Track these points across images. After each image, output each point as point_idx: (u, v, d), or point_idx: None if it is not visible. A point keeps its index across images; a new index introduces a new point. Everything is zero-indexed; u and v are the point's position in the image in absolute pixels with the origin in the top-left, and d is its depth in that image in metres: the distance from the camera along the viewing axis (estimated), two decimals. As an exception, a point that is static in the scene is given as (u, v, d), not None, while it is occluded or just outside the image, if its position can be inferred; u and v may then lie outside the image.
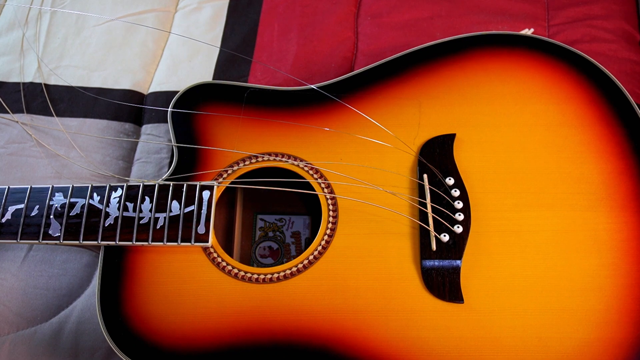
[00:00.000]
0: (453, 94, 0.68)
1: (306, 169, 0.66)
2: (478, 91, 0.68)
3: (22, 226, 0.63)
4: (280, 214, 0.77)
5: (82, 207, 0.63)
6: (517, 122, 0.66)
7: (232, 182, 0.66)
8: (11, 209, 0.64)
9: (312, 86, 0.70)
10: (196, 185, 0.64)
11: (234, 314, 0.59)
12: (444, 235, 0.60)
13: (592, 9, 0.83)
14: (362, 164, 0.65)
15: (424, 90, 0.69)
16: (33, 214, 0.64)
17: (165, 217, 0.62)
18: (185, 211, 0.63)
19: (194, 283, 0.61)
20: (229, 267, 0.61)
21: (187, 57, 0.88)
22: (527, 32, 0.78)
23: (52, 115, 0.81)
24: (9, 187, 0.65)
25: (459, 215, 0.61)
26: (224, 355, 0.57)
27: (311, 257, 0.61)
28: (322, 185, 0.65)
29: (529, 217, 0.61)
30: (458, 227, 0.60)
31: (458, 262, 0.59)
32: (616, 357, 0.55)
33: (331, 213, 0.63)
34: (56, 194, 0.64)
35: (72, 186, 0.65)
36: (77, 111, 0.82)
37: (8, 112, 0.82)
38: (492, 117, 0.67)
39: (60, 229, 0.62)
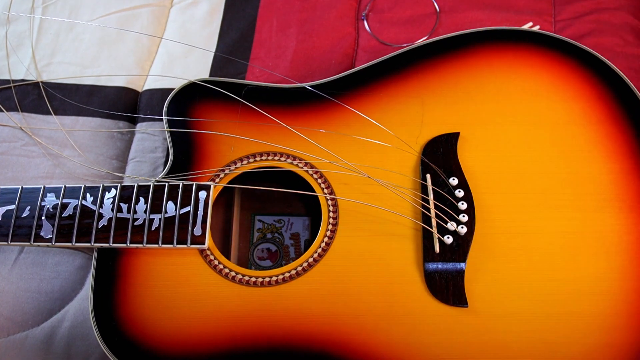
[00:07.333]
0: (457, 91, 0.67)
1: (305, 168, 0.64)
2: (482, 88, 0.66)
3: (13, 227, 0.62)
4: (278, 215, 0.75)
5: (75, 208, 0.62)
6: (522, 120, 0.64)
7: (230, 182, 0.65)
8: (1, 210, 0.63)
9: (305, 85, 0.68)
10: (192, 185, 0.63)
11: (231, 318, 0.58)
12: (448, 237, 0.59)
13: (599, 4, 0.81)
14: (363, 164, 0.64)
15: (427, 87, 0.67)
16: (24, 215, 0.62)
17: (160, 219, 0.61)
18: (181, 212, 0.61)
19: (189, 286, 0.59)
20: (226, 270, 0.60)
21: (183, 54, 0.86)
22: (533, 27, 0.76)
23: (45, 114, 0.80)
24: (-1, 188, 0.64)
25: (463, 216, 0.60)
26: (221, 360, 0.56)
27: (311, 260, 0.60)
28: (322, 185, 0.63)
29: (535, 218, 0.60)
30: (462, 228, 0.59)
31: (462, 264, 0.58)
32: (625, 363, 0.54)
33: (331, 214, 0.62)
34: (48, 194, 0.63)
35: (65, 186, 0.63)
36: (70, 109, 0.80)
37: (2, 111, 0.80)
38: (497, 115, 0.65)
39: (52, 231, 0.61)
